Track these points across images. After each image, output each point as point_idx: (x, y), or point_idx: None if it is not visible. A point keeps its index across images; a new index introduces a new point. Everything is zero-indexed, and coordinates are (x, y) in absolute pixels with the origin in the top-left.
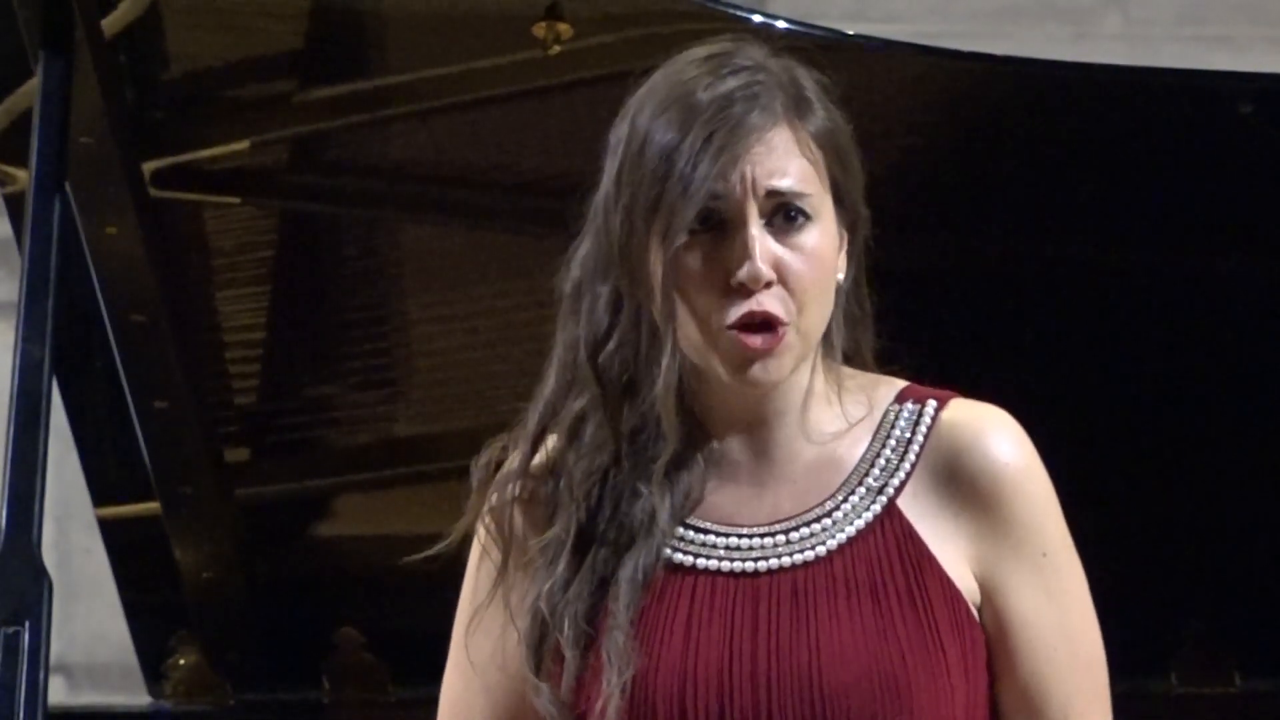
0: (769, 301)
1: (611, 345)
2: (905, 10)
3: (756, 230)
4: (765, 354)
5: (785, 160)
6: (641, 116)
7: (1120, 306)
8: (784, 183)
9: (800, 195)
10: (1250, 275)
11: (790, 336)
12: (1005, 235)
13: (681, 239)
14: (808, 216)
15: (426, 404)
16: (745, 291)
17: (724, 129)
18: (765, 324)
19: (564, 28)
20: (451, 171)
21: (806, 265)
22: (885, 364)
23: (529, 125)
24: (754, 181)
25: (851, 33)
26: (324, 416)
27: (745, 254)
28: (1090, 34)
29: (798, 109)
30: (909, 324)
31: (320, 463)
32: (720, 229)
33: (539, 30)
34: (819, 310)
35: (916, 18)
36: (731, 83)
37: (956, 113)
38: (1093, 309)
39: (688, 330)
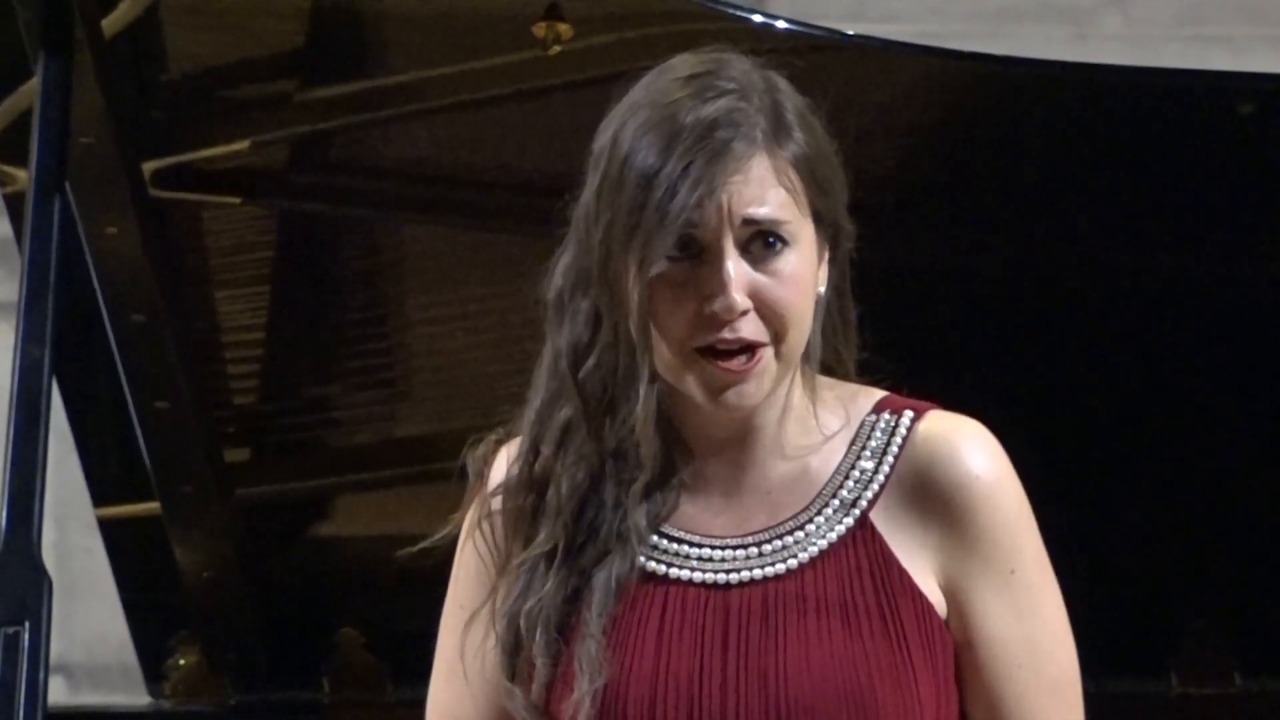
0: (744, 328)
1: (591, 362)
2: (905, 10)
3: (732, 261)
4: (741, 378)
5: (763, 189)
6: (625, 134)
7: (1121, 305)
8: (761, 211)
9: (778, 223)
10: (1250, 275)
11: (767, 359)
12: (1005, 235)
13: (659, 267)
14: (785, 243)
15: (426, 404)
16: (719, 319)
17: (703, 158)
18: (742, 349)
19: (564, 28)
20: (451, 171)
21: (784, 290)
22: (875, 368)
23: (529, 125)
24: (730, 211)
25: (851, 33)
26: (324, 416)
27: (720, 285)
28: (1090, 34)
29: (777, 135)
30: (908, 322)
31: (320, 463)
32: (698, 256)
33: (539, 30)
34: (798, 333)
35: (916, 18)
36: (714, 108)
37: (956, 113)
38: (1094, 308)
39: (662, 353)
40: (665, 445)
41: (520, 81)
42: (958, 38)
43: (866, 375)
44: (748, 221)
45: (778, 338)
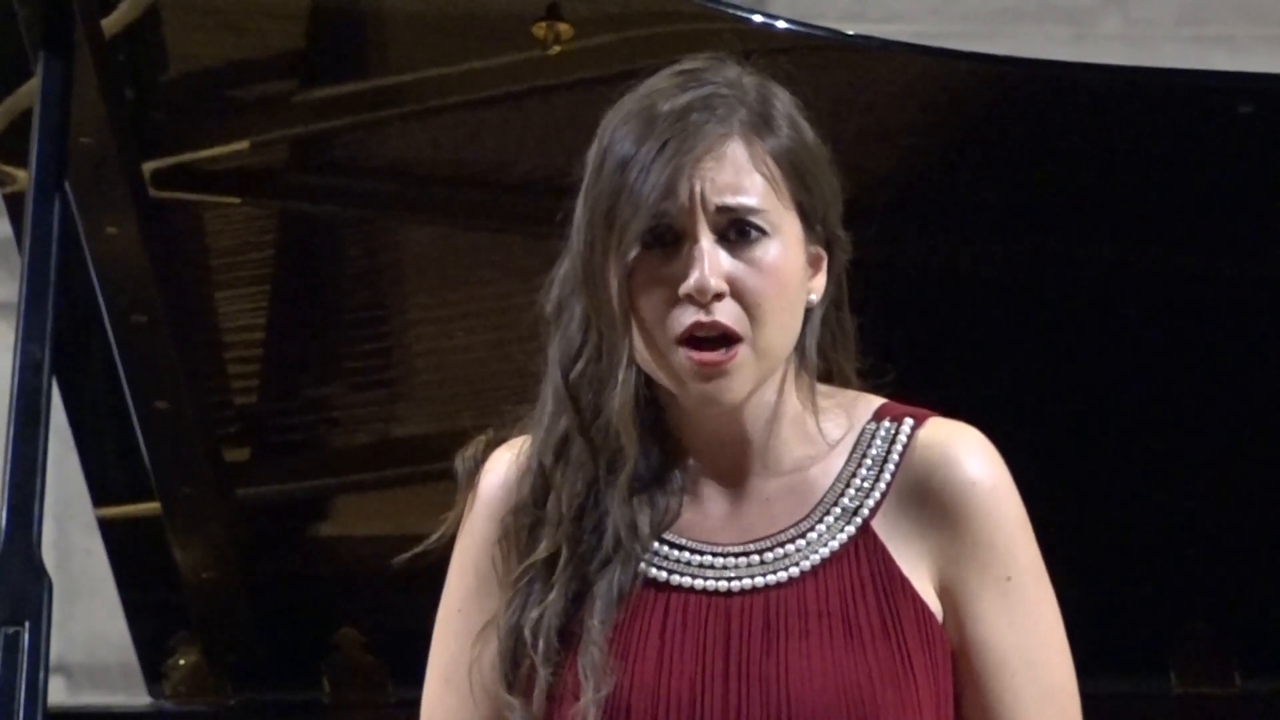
0: (719, 312)
1: (581, 364)
2: (905, 10)
3: (707, 244)
4: (718, 371)
5: (738, 175)
6: (608, 129)
7: (1120, 306)
8: (735, 199)
9: (754, 211)
10: (1249, 276)
11: (744, 353)
12: (1004, 235)
13: (634, 251)
14: (763, 232)
15: (426, 404)
16: (694, 303)
17: (676, 139)
18: (719, 338)
19: (564, 28)
20: (451, 171)
21: (762, 280)
22: (879, 373)
23: (529, 125)
24: (704, 197)
25: (851, 33)
26: (324, 416)
27: (694, 265)
28: (1090, 34)
29: (758, 125)
30: (908, 323)
31: (320, 463)
32: (674, 243)
33: (539, 30)
34: (778, 328)
35: (916, 18)
36: (694, 95)
37: (956, 113)
38: (1092, 308)
39: (642, 346)
40: (663, 450)
41: (520, 81)
42: (958, 38)
43: (869, 379)
44: (721, 209)
45: (755, 330)
